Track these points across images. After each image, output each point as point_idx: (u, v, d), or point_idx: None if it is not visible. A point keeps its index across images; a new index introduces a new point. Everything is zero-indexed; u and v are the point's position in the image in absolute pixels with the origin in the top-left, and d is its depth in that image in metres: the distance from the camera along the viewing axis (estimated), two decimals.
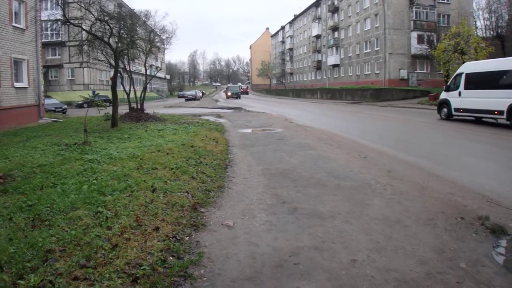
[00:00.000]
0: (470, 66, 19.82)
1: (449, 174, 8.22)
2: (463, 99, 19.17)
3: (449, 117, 20.38)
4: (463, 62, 35.41)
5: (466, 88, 19.08)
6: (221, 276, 3.86)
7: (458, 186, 7.23)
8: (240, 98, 69.36)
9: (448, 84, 21.35)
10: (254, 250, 4.44)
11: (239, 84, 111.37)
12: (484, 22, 54.55)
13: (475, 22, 45.74)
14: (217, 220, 5.43)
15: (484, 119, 18.69)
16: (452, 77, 20.95)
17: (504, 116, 16.36)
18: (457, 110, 19.77)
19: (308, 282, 3.74)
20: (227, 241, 4.70)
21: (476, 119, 19.18)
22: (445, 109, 20.84)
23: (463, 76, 19.36)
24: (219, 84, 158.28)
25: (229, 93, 73.52)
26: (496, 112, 16.89)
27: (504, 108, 16.16)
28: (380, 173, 8.20)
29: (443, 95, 21.46)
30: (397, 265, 4.10)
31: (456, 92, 19.77)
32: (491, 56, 34.92)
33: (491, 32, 37.46)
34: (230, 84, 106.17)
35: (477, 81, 18.34)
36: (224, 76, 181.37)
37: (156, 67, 31.36)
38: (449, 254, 4.38)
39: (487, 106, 17.34)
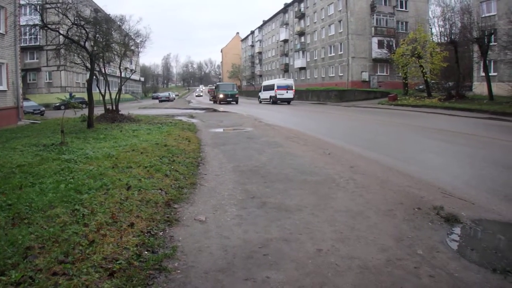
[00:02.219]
0: (265, 83, 50.08)
1: (407, 169, 8.37)
2: (263, 93, 47.55)
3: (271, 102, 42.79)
4: (420, 66, 36.36)
5: (264, 90, 47.54)
6: (194, 268, 3.84)
7: (415, 180, 7.37)
8: (237, 103, 43.89)
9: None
10: (226, 243, 4.43)
11: (233, 84, 61.34)
12: (439, 29, 55.62)
13: (431, 28, 46.88)
14: (190, 215, 5.39)
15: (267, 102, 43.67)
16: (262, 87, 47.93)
17: (270, 101, 43.72)
18: (262, 100, 47.01)
19: (277, 272, 3.75)
20: (200, 235, 4.67)
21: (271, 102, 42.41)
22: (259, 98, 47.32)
23: (263, 85, 49.23)
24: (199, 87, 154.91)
25: (220, 95, 45.54)
26: (269, 99, 43.30)
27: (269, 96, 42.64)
28: (344, 169, 8.29)
29: (263, 94, 47.23)
30: (359, 253, 4.16)
31: (262, 93, 48.19)
32: (445, 59, 35.81)
33: (446, 38, 38.32)
34: (220, 82, 63.70)
35: (266, 88, 46.65)
36: (197, 78, 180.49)
37: (131, 70, 30.87)
38: (407, 241, 4.47)
39: (268, 96, 44.93)
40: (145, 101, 75.12)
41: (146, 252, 4.09)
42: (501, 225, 5.17)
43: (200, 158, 9.65)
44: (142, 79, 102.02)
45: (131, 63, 35.80)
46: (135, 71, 35.74)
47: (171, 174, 7.40)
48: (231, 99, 45.33)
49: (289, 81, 45.19)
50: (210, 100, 60.96)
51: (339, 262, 3.94)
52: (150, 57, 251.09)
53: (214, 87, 58.10)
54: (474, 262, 4.06)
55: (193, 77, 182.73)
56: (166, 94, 77.92)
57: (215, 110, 31.53)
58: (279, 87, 42.53)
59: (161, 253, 4.11)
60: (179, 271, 3.78)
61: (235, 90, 48.10)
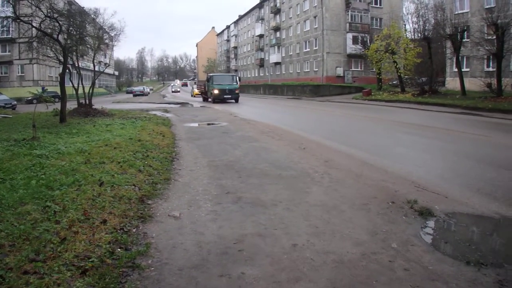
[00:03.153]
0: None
1: (381, 163, 8.46)
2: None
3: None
4: (394, 61, 36.84)
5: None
6: (168, 265, 3.77)
7: (389, 174, 7.46)
8: (237, 102, 34.16)
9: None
10: (200, 239, 4.38)
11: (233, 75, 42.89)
12: (413, 25, 56.43)
13: (405, 25, 47.57)
14: (164, 211, 5.31)
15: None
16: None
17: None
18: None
19: (252, 267, 3.72)
20: (174, 231, 4.61)
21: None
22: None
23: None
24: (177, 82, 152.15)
25: (215, 91, 33.99)
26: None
27: None
28: (318, 163, 8.31)
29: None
30: (334, 247, 4.16)
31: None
32: (419, 55, 36.36)
33: (419, 35, 38.98)
34: (214, 73, 45.85)
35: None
36: (172, 72, 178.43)
37: (105, 64, 30.40)
38: (382, 235, 4.50)
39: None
40: (119, 95, 73.98)
41: (119, 250, 4.00)
42: (474, 218, 5.26)
43: (175, 153, 9.55)
44: (116, 73, 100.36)
45: (105, 57, 35.27)
46: (109, 65, 35.19)
47: (144, 170, 7.29)
48: (229, 95, 33.67)
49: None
50: (192, 96, 52.18)
51: (315, 257, 3.93)
52: (124, 51, 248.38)
53: (206, 80, 38.67)
54: (448, 254, 4.11)
55: (168, 72, 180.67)
56: (140, 88, 76.88)
57: (190, 105, 31.31)
58: (195, 87, 57.38)
59: (135, 250, 4.03)
60: (152, 268, 3.71)
61: (235, 83, 35.27)
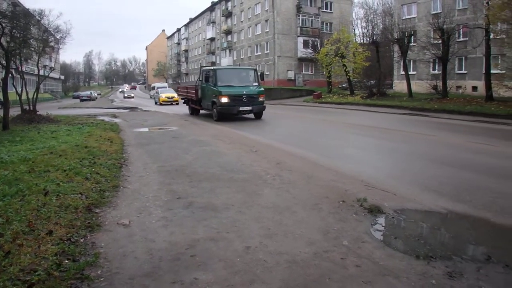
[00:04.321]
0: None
1: (332, 164, 8.62)
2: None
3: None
4: (343, 65, 37.77)
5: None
6: (118, 275, 3.66)
7: (340, 174, 7.61)
8: (261, 117, 19.81)
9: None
10: (151, 246, 4.28)
11: (251, 68, 22.62)
12: (362, 30, 58.70)
13: (354, 30, 49.32)
14: (113, 219, 5.15)
15: None
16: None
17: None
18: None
19: (205, 272, 3.68)
20: (124, 240, 4.48)
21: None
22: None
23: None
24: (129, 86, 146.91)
25: (223, 99, 18.13)
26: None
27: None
28: (270, 165, 8.36)
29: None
30: (287, 248, 4.19)
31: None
32: (367, 59, 37.49)
33: (368, 39, 40.48)
34: (216, 67, 22.51)
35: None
36: (120, 76, 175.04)
37: (50, 68, 29.29)
38: (334, 234, 4.58)
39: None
40: (65, 100, 71.47)
41: (66, 261, 3.84)
42: (422, 214, 5.47)
43: (123, 159, 9.31)
44: (63, 77, 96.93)
45: (50, 61, 34.05)
46: (54, 69, 33.97)
47: (92, 177, 7.06)
48: (247, 107, 18.75)
49: (165, 84, 53.39)
50: (158, 103, 38.80)
51: (268, 258, 3.94)
52: (71, 54, 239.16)
53: (199, 79, 21.69)
54: (398, 250, 4.24)
55: (117, 76, 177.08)
56: (87, 93, 74.62)
57: (139, 109, 30.70)
58: (159, 88, 49.65)
59: (83, 261, 3.89)
60: (102, 278, 3.60)
61: (257, 83, 19.84)
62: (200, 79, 21.21)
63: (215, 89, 18.59)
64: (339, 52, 37.91)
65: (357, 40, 44.39)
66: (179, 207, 5.65)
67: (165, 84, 63.44)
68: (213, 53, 77.29)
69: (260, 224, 4.90)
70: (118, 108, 34.14)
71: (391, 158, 9.71)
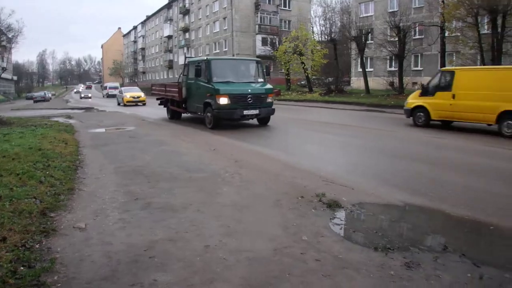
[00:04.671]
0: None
1: (291, 160, 8.72)
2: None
3: None
4: (302, 62, 38.18)
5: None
6: (76, 280, 3.56)
7: (299, 170, 7.70)
8: (268, 123, 15.69)
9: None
10: (109, 249, 4.19)
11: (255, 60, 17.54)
12: (320, 28, 59.64)
13: (312, 27, 49.79)
14: (69, 223, 4.99)
15: None
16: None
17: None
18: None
19: (164, 273, 3.64)
20: (80, 244, 4.36)
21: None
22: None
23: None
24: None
25: (222, 100, 13.77)
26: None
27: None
28: (229, 163, 8.35)
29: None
30: (247, 245, 4.19)
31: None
32: (325, 56, 38.08)
33: (326, 37, 41.17)
34: (212, 58, 16.35)
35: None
36: (75, 76, 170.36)
37: (2, 68, 28.28)
38: (293, 229, 4.62)
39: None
40: (18, 101, 68.62)
41: (22, 268, 3.71)
42: (380, 207, 5.61)
43: (79, 161, 9.06)
44: (15, 78, 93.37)
45: (2, 61, 32.86)
46: (6, 69, 32.77)
47: (46, 181, 6.83)
48: (254, 110, 14.49)
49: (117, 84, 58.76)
50: (122, 104, 34.07)
51: (228, 257, 3.93)
52: (23, 54, 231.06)
53: (183, 76, 17.32)
54: (357, 243, 4.34)
55: (72, 75, 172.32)
56: (41, 93, 72.16)
57: (95, 110, 29.95)
58: (110, 87, 57.41)
59: (39, 267, 3.76)
60: (59, 284, 3.49)
61: (262, 80, 15.94)
62: (185, 73, 16.99)
63: (210, 86, 14.25)
64: (298, 49, 38.35)
65: (315, 37, 44.91)
66: (137, 208, 5.54)
67: (117, 84, 64.97)
68: (170, 51, 76.61)
69: (220, 222, 4.88)
70: (73, 108, 33.18)
71: (350, 153, 9.90)
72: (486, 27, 24.51)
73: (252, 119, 15.19)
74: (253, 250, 4.06)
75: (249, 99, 14.18)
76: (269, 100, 14.95)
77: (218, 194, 6.12)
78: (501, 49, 22.37)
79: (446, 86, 13.75)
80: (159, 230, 4.70)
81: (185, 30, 68.19)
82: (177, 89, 17.03)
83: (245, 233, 4.54)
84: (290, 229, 4.62)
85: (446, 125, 14.36)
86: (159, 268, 3.75)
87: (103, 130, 15.44)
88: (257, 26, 52.91)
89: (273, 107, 15.25)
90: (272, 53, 44.60)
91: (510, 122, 12.13)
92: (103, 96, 59.90)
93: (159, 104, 21.17)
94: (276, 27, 53.54)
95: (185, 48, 67.71)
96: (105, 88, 65.25)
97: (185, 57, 18.32)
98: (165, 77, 79.45)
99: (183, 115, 18.45)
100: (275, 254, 3.98)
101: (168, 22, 76.12)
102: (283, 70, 42.90)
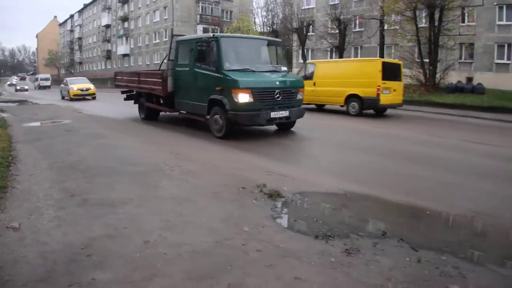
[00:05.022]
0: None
1: (231, 152, 8.80)
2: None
3: None
4: None
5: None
6: (10, 282, 3.42)
7: (240, 162, 7.78)
8: (292, 127, 11.69)
9: None
10: (44, 249, 4.03)
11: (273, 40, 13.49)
12: (262, 19, 59.93)
13: (254, 18, 50.09)
14: (1, 223, 4.74)
15: None
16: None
17: None
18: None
19: (103, 271, 3.56)
20: (14, 244, 4.16)
21: None
22: None
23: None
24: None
25: (242, 96, 9.48)
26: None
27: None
28: (169, 156, 8.27)
29: None
30: (188, 239, 4.18)
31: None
32: None
33: (268, 28, 41.50)
34: (220, 34, 13.86)
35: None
36: (9, 67, 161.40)
37: None
38: (234, 221, 4.66)
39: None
40: None
41: None
42: (321, 195, 5.76)
43: (12, 157, 8.61)
44: None
45: None
46: None
47: None
48: (284, 111, 10.26)
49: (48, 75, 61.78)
50: (67, 98, 29.61)
51: (168, 251, 3.91)
52: None
53: (168, 61, 12.54)
54: (298, 231, 4.44)
55: (5, 66, 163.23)
56: None
57: (30, 102, 28.61)
58: (42, 79, 59.61)
59: None
60: None
61: (285, 69, 11.59)
62: (172, 58, 12.44)
63: (220, 76, 9.99)
64: None
65: (257, 29, 45.22)
66: (73, 205, 5.36)
67: (48, 75, 64.83)
68: (108, 40, 74.42)
69: (159, 216, 4.82)
70: (5, 102, 31.50)
71: (291, 145, 10.05)
72: (424, 20, 25.56)
73: (281, 122, 10.85)
74: (194, 243, 4.05)
75: (277, 95, 10.10)
76: (299, 96, 10.95)
77: (158, 188, 6.04)
78: (438, 42, 23.54)
79: (310, 76, 17.28)
80: (97, 227, 4.57)
81: (124, 19, 66.48)
82: (159, 80, 12.38)
83: (185, 226, 4.52)
84: (231, 221, 4.65)
85: (319, 109, 18.10)
86: (97, 266, 3.67)
87: (38, 123, 14.80)
88: (198, 16, 52.47)
89: (304, 108, 11.35)
90: None
91: (354, 103, 15.64)
92: (35, 88, 58.77)
93: (126, 99, 16.77)
94: (218, 18, 53.34)
95: (124, 38, 66.18)
96: (36, 79, 64.28)
97: (172, 35, 13.57)
98: (103, 67, 77.25)
99: (162, 113, 14.45)
100: (216, 246, 3.99)
101: (107, 10, 73.75)
102: None
